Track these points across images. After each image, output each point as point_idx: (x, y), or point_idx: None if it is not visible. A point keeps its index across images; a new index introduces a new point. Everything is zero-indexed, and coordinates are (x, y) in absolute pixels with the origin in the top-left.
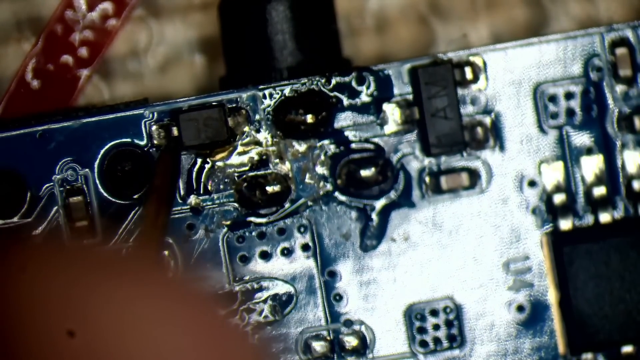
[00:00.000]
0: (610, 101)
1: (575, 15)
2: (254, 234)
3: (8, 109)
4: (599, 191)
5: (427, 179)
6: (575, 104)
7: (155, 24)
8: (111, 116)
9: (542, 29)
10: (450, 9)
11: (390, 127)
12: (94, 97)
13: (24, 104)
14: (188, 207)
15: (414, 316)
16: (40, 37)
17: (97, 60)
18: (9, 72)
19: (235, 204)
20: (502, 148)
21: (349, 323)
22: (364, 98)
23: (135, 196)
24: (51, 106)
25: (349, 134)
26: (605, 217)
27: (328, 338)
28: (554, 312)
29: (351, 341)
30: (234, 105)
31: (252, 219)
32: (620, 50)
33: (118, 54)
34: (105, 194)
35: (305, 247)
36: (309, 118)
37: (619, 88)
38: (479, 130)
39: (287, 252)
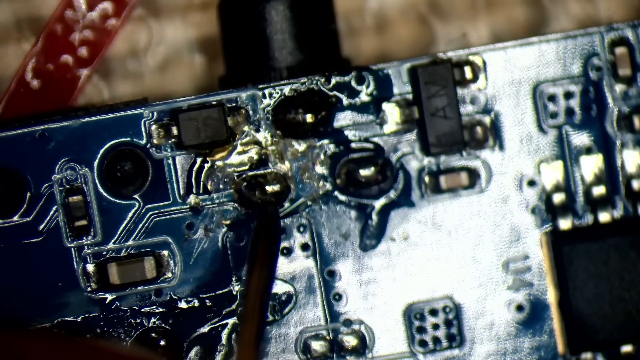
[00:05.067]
0: (609, 100)
1: (575, 15)
2: None
3: (8, 108)
4: (599, 191)
5: (427, 179)
6: (575, 103)
7: (155, 24)
8: (111, 116)
9: (542, 28)
10: (450, 8)
11: (390, 127)
12: (94, 96)
13: (24, 103)
14: (188, 206)
15: (414, 316)
16: (40, 37)
17: (97, 60)
18: (9, 71)
19: (235, 204)
20: (501, 147)
21: (348, 323)
22: (364, 97)
23: (135, 196)
24: (51, 106)
25: (349, 134)
26: (604, 217)
27: (327, 338)
28: (554, 312)
29: (350, 341)
30: (233, 104)
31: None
32: (620, 50)
33: (118, 53)
34: (104, 194)
35: (304, 247)
36: (309, 117)
37: (619, 87)
38: (479, 129)
39: (287, 252)
